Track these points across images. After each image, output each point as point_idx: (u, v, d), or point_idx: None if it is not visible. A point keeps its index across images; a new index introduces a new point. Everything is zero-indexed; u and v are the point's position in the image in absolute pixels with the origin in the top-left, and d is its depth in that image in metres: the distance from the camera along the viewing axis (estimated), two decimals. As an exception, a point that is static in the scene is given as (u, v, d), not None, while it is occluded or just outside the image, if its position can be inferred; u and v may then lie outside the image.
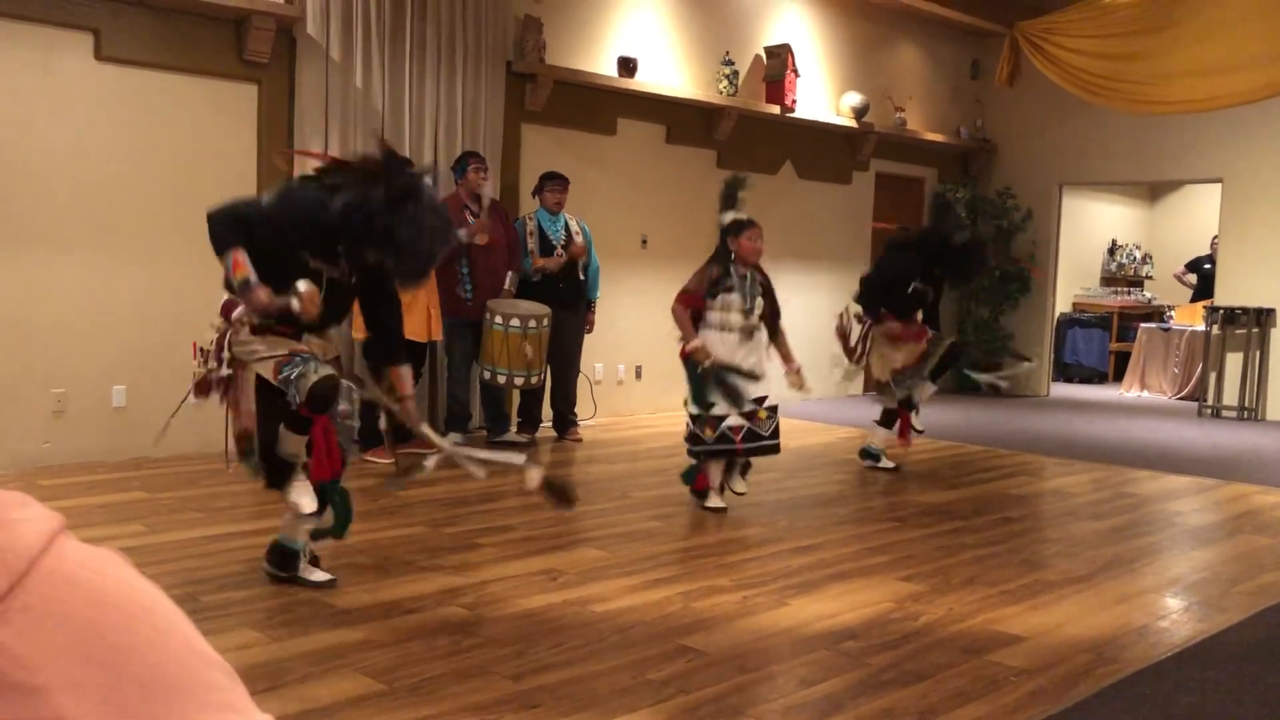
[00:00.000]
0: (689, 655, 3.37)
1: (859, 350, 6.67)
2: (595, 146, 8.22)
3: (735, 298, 5.27)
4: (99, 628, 0.51)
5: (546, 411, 7.39)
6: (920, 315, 6.67)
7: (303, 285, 3.62)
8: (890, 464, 6.75)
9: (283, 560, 3.92)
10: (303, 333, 3.81)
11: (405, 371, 4.02)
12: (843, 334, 6.68)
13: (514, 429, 7.22)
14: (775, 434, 5.33)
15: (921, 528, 5.29)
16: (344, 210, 3.59)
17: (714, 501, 5.41)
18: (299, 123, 6.49)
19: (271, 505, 5.35)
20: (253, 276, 3.57)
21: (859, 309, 6.65)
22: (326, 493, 3.87)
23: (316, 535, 3.94)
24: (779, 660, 3.39)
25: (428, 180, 3.73)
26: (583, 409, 7.64)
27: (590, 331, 7.45)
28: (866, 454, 6.82)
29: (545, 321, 6.75)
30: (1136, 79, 8.46)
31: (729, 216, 5.33)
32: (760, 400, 5.28)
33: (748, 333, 5.32)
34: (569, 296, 7.17)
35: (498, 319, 6.64)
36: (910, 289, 6.48)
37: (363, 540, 4.45)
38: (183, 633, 0.55)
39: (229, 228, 3.62)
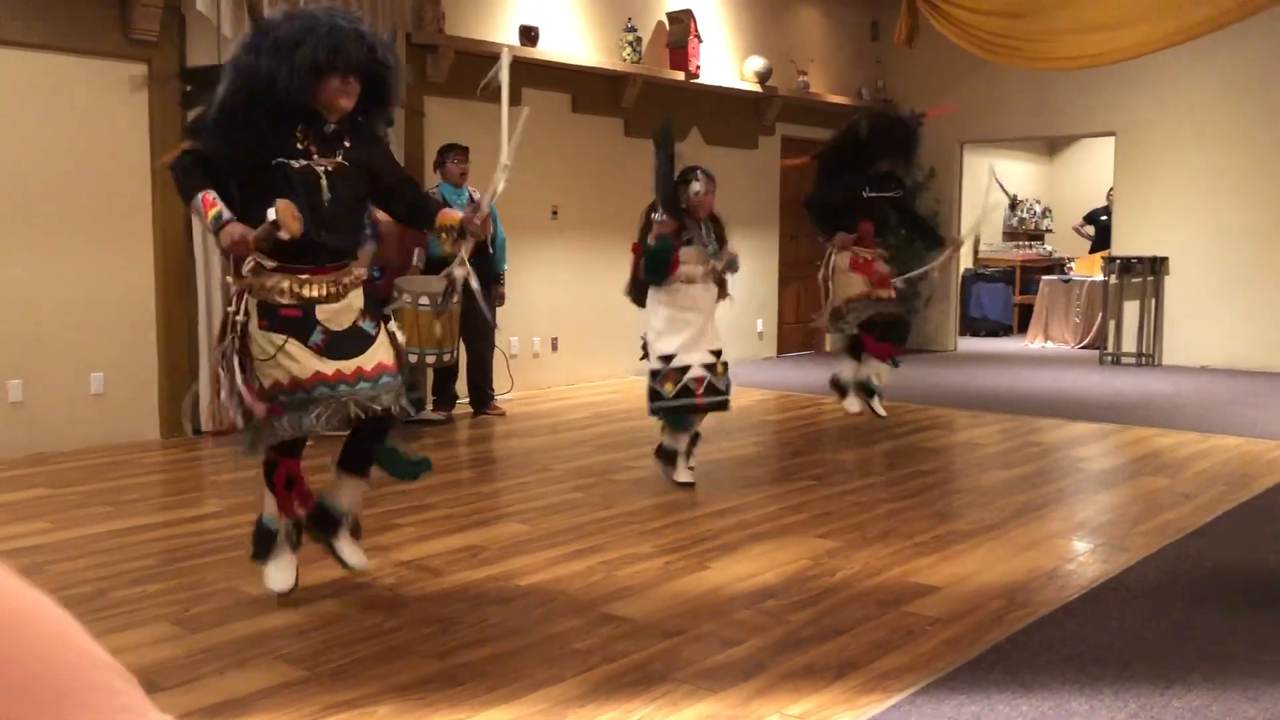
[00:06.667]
0: (613, 623, 3.39)
1: (827, 290, 6.74)
2: (500, 117, 8.10)
3: (695, 249, 5.17)
4: None
5: (461, 388, 7.34)
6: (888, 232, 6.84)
7: (276, 204, 3.24)
8: (856, 408, 6.83)
9: (259, 540, 3.62)
10: (313, 298, 3.43)
11: (448, 210, 4.01)
12: (824, 284, 6.73)
13: (430, 408, 7.15)
14: (728, 388, 5.23)
15: (837, 484, 5.38)
16: (241, 62, 3.33)
17: (683, 476, 5.25)
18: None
19: (175, 497, 5.23)
20: (225, 213, 3.28)
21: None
22: (376, 454, 3.66)
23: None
24: (701, 623, 3.43)
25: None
26: (500, 384, 7.59)
27: (501, 304, 7.39)
28: (836, 384, 6.89)
29: (455, 299, 6.67)
30: (1028, 36, 8.62)
31: (677, 170, 5.13)
32: (718, 353, 5.21)
33: (710, 283, 5.23)
34: (478, 271, 7.07)
35: (406, 297, 6.55)
36: (865, 197, 6.65)
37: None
38: (71, 637, 0.54)
39: (189, 174, 3.34)
